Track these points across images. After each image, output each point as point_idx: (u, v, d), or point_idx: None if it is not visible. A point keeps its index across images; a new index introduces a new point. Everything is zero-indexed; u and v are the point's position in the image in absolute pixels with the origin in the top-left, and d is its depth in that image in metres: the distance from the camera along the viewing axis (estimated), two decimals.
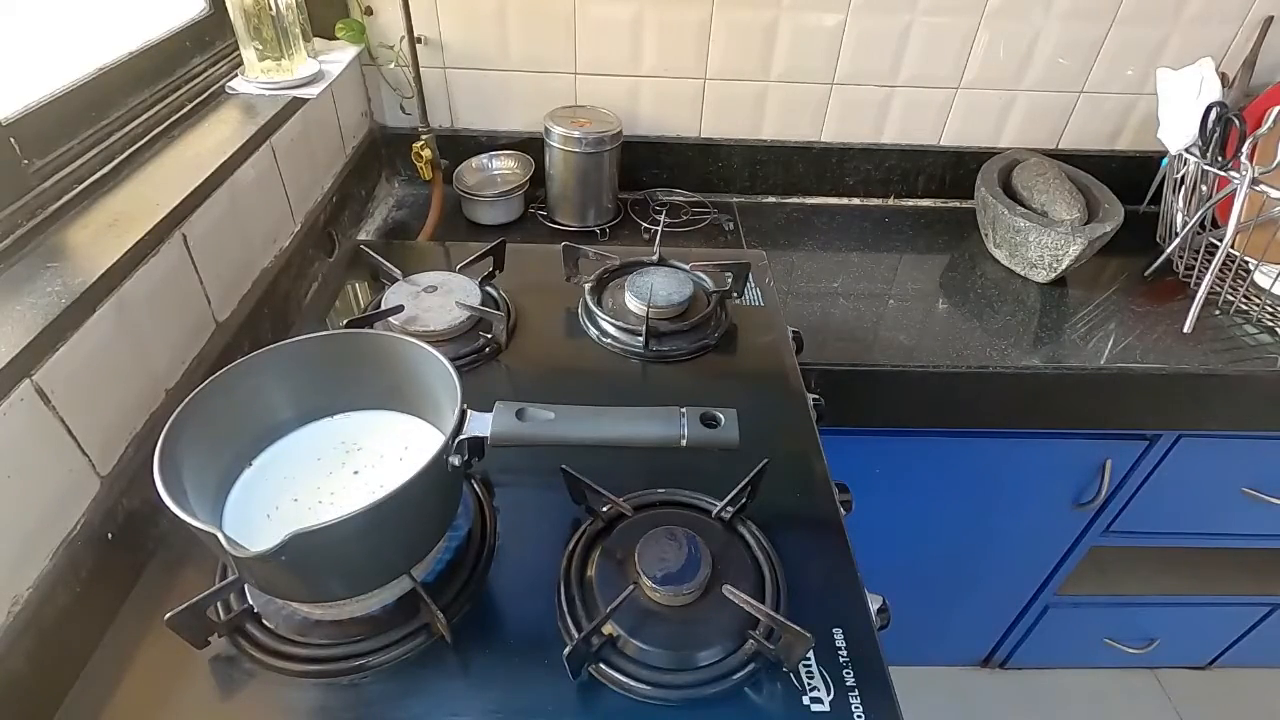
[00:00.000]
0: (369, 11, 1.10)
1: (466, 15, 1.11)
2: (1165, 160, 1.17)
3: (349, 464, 0.56)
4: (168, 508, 0.43)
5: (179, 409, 0.49)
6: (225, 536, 0.41)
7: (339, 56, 1.05)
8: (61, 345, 0.52)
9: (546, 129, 1.12)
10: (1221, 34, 1.15)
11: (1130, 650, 1.47)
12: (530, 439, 0.51)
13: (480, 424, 0.50)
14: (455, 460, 0.49)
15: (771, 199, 1.32)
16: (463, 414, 0.50)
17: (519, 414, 0.51)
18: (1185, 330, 1.02)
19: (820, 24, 1.13)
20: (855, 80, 1.19)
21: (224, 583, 0.51)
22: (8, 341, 0.49)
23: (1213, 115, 1.00)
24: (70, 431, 0.53)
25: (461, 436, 0.50)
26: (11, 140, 0.61)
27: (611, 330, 0.80)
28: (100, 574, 0.55)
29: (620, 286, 0.84)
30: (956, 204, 1.32)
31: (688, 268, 0.86)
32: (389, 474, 0.55)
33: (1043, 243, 1.06)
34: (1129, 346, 1.00)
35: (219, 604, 0.53)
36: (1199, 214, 1.07)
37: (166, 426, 0.47)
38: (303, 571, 0.46)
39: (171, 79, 0.85)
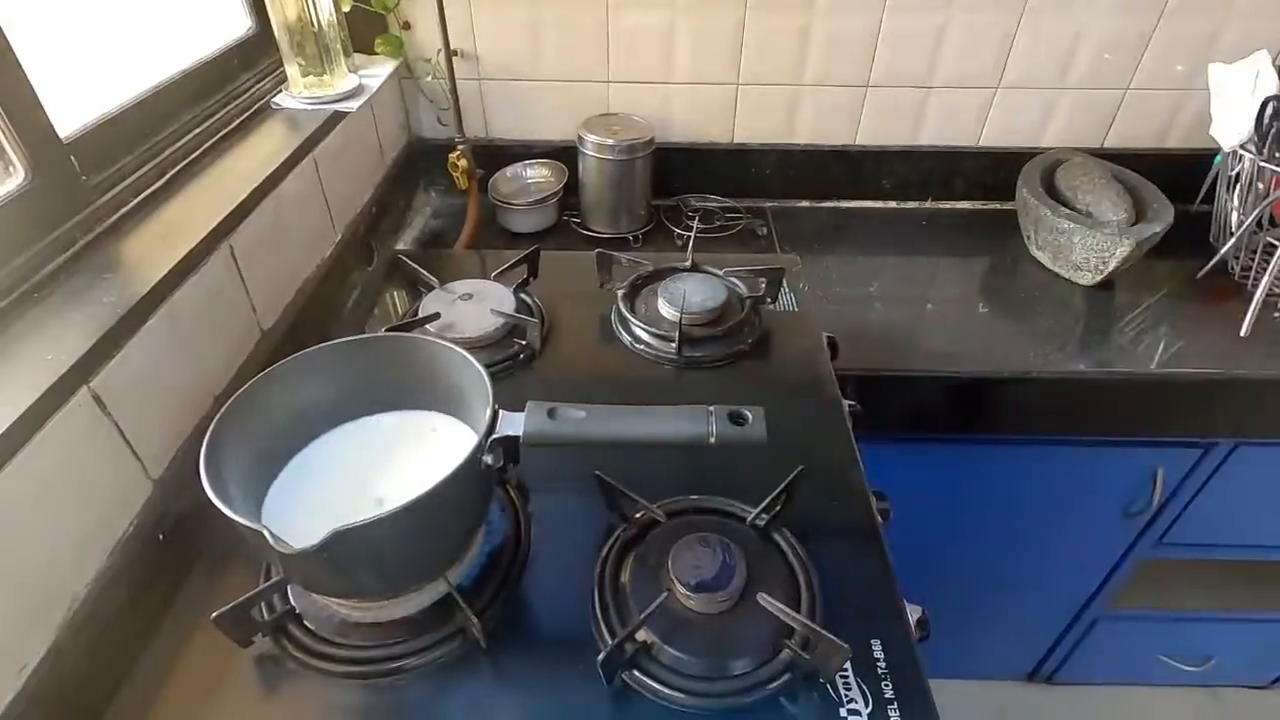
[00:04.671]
0: (407, 26, 1.12)
1: (501, 27, 1.13)
2: (1218, 158, 1.12)
3: (385, 464, 0.57)
4: (215, 506, 0.44)
5: (221, 411, 0.50)
6: (270, 534, 0.42)
7: (378, 70, 1.07)
8: (117, 353, 0.54)
9: (580, 137, 1.13)
10: (1277, 26, 1.10)
11: (1186, 668, 1.41)
12: (562, 438, 0.51)
13: (513, 424, 0.51)
14: (489, 459, 0.50)
15: (805, 203, 1.31)
16: (495, 414, 0.51)
17: (550, 413, 0.51)
18: (1242, 333, 0.98)
19: (854, 27, 1.12)
20: (890, 82, 1.18)
21: (267, 584, 0.52)
22: (68, 350, 0.51)
23: (1269, 110, 0.96)
24: (124, 436, 0.55)
25: (494, 436, 0.50)
26: (71, 158, 0.63)
27: (645, 336, 0.80)
28: (152, 574, 0.57)
29: (653, 293, 0.84)
30: (996, 206, 1.29)
31: (721, 273, 0.86)
32: (423, 474, 0.56)
33: (1088, 244, 1.03)
34: (1181, 350, 0.96)
35: (263, 604, 0.54)
36: (1255, 213, 1.03)
37: (210, 428, 0.49)
38: (343, 568, 0.47)
39: (220, 95, 0.88)
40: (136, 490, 0.57)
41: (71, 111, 0.66)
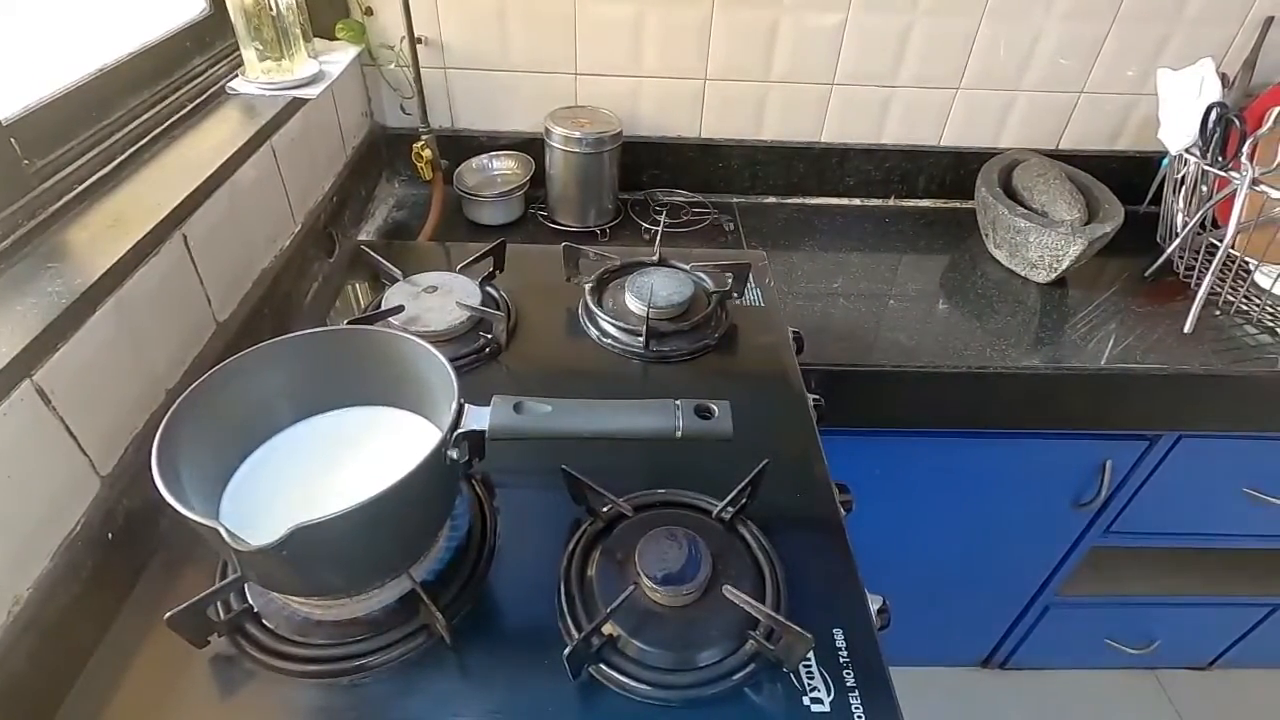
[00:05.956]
0: (369, 12, 1.10)
1: (467, 16, 1.11)
2: (1165, 160, 1.17)
3: (347, 459, 0.56)
4: (168, 503, 0.43)
5: (176, 404, 0.49)
6: (227, 531, 0.41)
7: (339, 57, 1.05)
8: (62, 345, 0.52)
9: (547, 129, 1.12)
10: (1222, 34, 1.15)
11: (1131, 651, 1.47)
12: (528, 432, 0.51)
13: (478, 418, 0.51)
14: (454, 454, 0.49)
15: (772, 199, 1.32)
16: (460, 408, 0.50)
17: (516, 407, 0.51)
18: (1186, 330, 1.02)
19: (821, 24, 1.13)
20: (856, 81, 1.19)
21: (224, 582, 0.51)
22: (8, 341, 0.49)
23: (1213, 116, 1.00)
24: (70, 431, 0.53)
25: (459, 430, 0.50)
26: (12, 140, 0.61)
27: (612, 331, 0.80)
28: (101, 574, 0.55)
29: (620, 287, 0.84)
30: (957, 204, 1.32)
31: (688, 268, 0.86)
32: (387, 470, 0.55)
33: (1043, 243, 1.06)
34: (1129, 347, 1.00)
35: (219, 603, 0.53)
36: (1199, 214, 1.07)
37: (163, 422, 0.47)
38: (304, 566, 0.46)
39: (172, 79, 0.85)
40: (84, 487, 0.55)
41: (12, 93, 0.63)
